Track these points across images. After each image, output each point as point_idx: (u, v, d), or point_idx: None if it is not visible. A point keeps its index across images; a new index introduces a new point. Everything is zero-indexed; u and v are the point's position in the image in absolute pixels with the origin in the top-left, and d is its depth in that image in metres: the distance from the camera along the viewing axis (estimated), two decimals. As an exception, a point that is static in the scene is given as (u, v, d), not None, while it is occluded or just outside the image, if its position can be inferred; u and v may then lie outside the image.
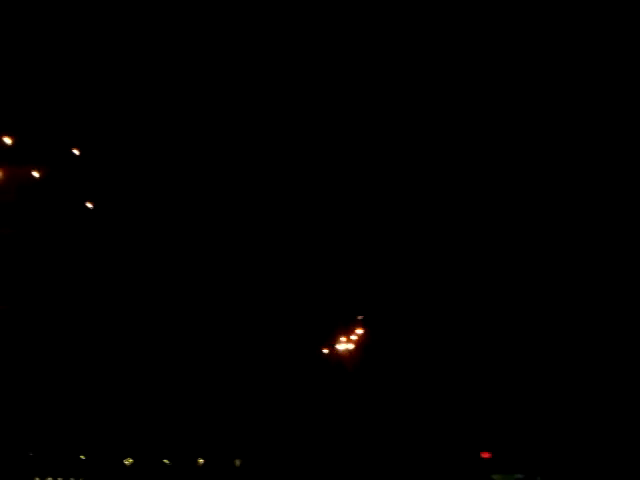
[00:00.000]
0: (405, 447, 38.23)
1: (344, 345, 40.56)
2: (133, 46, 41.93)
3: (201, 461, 45.04)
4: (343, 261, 41.84)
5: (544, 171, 37.22)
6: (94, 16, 41.30)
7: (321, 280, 42.29)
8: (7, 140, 28.56)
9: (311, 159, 42.26)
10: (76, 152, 40.04)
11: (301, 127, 42.27)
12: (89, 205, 41.22)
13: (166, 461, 44.70)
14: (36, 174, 33.44)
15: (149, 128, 43.07)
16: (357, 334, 40.70)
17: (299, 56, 42.12)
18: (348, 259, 41.80)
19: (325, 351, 42.35)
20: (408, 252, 40.64)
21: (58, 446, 43.59)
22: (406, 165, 40.91)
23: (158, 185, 43.35)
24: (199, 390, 42.18)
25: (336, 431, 40.31)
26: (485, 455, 36.46)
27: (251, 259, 43.73)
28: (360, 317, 41.00)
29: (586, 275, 35.45)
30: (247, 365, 41.92)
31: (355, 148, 41.63)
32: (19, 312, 40.05)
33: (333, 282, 42.15)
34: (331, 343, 41.61)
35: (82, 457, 44.39)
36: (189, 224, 44.16)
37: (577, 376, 34.84)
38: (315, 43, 41.69)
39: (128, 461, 44.49)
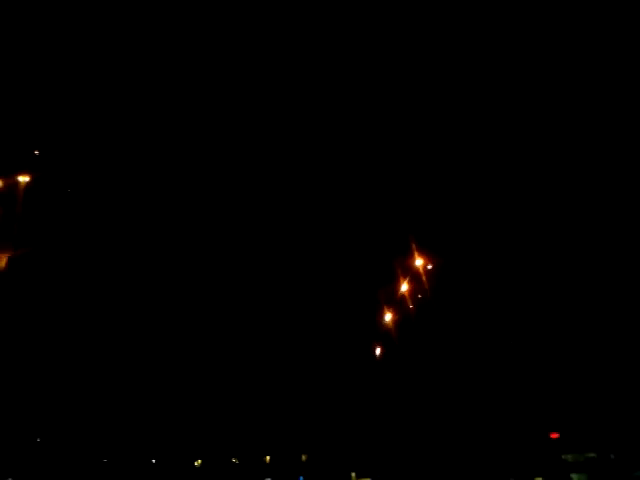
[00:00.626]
0: (475, 430, 38.04)
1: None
2: (133, 46, 40.93)
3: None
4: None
5: (544, 171, 38.40)
6: (94, 16, 40.36)
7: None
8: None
9: (311, 159, 42.11)
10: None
11: (300, 127, 42.01)
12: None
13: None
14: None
15: (149, 128, 41.58)
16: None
17: (299, 56, 41.70)
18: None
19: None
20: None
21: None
22: (405, 165, 41.11)
23: (159, 185, 42.27)
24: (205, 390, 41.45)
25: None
26: (554, 436, 36.79)
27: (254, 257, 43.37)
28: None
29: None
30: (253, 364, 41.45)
31: (355, 148, 41.56)
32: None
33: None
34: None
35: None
36: (190, 224, 43.19)
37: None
38: (315, 43, 41.24)
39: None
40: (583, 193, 38.36)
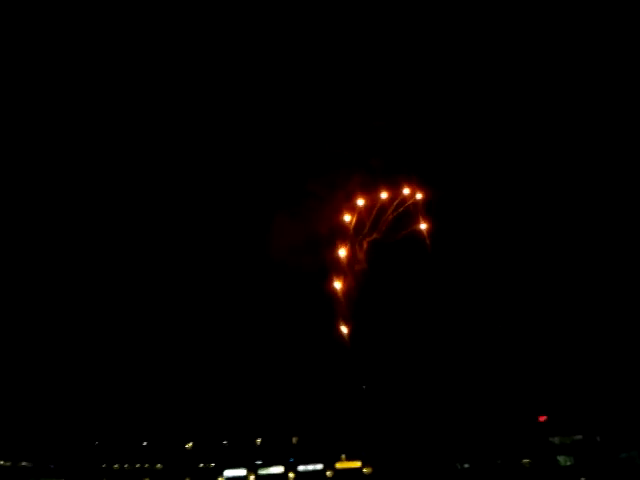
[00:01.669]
0: (463, 413, 38.68)
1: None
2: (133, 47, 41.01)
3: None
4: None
5: (544, 171, 39.07)
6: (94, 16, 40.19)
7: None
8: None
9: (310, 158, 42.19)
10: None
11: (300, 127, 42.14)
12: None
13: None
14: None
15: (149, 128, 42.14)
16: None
17: (298, 56, 41.81)
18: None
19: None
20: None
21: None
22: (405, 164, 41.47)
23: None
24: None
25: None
26: (542, 419, 37.60)
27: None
28: None
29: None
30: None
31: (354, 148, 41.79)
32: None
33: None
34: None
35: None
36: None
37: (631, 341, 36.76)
38: (315, 43, 41.39)
39: None
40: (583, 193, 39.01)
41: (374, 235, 41.90)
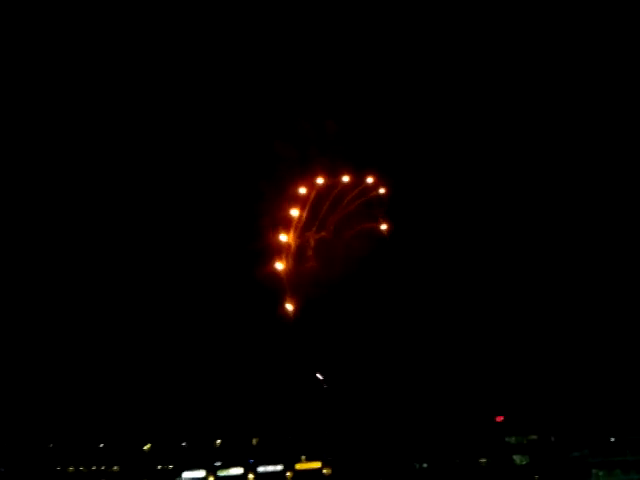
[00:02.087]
0: (420, 414, 39.37)
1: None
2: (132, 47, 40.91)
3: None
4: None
5: (544, 171, 40.18)
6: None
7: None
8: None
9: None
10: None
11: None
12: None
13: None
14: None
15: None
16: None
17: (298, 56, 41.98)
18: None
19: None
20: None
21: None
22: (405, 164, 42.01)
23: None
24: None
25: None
26: (499, 419, 38.65)
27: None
28: None
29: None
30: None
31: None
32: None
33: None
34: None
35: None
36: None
37: (589, 341, 38.17)
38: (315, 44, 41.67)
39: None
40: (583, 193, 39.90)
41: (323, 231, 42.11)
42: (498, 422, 38.67)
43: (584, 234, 39.46)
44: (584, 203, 39.70)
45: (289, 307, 40.43)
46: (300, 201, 41.42)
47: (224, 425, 42.45)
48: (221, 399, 42.04)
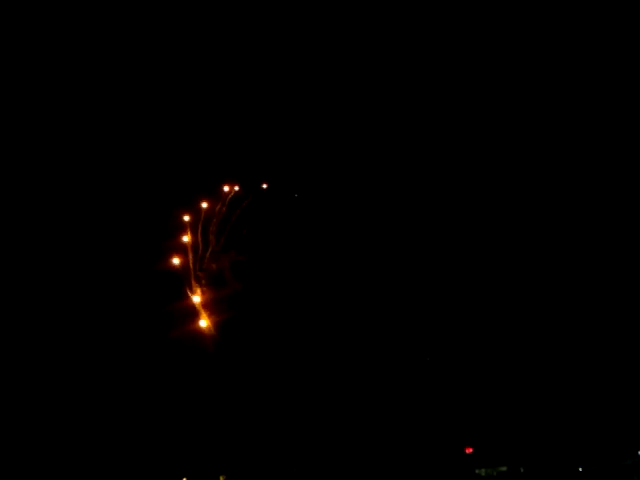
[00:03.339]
0: (389, 446, 37.69)
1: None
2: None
3: None
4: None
5: (544, 171, 40.39)
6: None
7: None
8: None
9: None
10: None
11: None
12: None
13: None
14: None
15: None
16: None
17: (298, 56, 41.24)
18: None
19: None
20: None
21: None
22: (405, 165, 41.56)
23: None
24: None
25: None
26: (468, 450, 37.80)
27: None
28: None
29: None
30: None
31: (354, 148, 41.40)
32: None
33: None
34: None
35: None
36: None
37: (556, 369, 38.38)
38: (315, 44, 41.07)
39: None
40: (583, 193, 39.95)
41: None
42: (468, 454, 37.79)
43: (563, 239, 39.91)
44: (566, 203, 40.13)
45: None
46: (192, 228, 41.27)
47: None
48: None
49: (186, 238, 40.73)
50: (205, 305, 39.60)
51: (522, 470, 37.25)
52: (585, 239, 39.22)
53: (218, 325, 39.22)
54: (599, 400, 37.48)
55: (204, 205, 42.01)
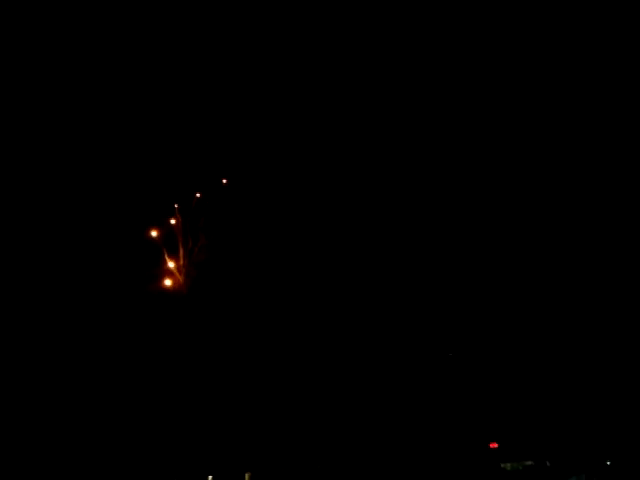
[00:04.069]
0: (415, 442, 37.57)
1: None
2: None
3: None
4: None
5: (544, 171, 40.46)
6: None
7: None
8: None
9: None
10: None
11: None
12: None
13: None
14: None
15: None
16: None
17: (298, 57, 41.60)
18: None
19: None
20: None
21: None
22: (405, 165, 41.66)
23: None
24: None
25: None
26: (493, 445, 37.55)
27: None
28: None
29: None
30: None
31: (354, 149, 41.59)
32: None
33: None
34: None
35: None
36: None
37: (581, 363, 38.15)
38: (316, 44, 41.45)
39: None
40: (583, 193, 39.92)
41: None
42: (492, 448, 37.52)
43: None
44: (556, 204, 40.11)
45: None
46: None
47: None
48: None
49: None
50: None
51: (548, 464, 36.90)
52: (585, 239, 39.26)
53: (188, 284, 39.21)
54: (626, 394, 37.17)
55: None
